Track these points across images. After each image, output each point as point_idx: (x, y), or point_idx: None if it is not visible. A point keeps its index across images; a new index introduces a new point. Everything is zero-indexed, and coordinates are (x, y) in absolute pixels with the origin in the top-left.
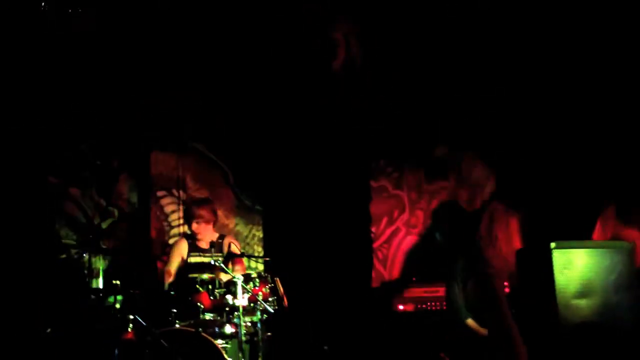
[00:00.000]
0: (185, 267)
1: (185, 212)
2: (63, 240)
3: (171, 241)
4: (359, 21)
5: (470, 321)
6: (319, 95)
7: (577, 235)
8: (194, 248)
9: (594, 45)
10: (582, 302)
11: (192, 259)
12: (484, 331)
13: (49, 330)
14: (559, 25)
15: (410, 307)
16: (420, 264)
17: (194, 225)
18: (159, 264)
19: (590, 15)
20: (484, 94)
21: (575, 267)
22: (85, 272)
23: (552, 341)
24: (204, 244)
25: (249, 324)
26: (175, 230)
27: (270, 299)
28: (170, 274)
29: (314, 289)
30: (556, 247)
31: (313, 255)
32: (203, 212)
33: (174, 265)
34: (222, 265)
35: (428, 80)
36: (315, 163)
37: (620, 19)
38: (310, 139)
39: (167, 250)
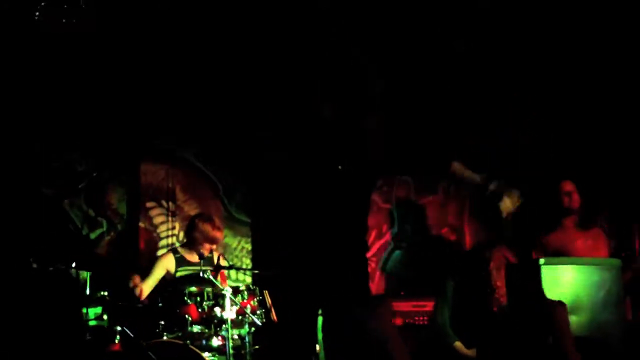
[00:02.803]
0: (174, 281)
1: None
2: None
3: (159, 252)
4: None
5: (458, 344)
6: (311, 105)
7: None
8: (183, 262)
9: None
10: (570, 319)
11: (182, 273)
12: (471, 353)
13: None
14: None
15: (398, 322)
16: (408, 278)
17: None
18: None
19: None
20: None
21: (563, 283)
22: (73, 283)
23: (541, 356)
24: (194, 258)
25: (237, 336)
26: (164, 242)
27: (258, 312)
28: (142, 292)
29: (302, 301)
30: (545, 263)
31: (302, 267)
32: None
33: (150, 281)
34: (211, 277)
35: (422, 93)
36: (305, 175)
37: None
38: (301, 151)
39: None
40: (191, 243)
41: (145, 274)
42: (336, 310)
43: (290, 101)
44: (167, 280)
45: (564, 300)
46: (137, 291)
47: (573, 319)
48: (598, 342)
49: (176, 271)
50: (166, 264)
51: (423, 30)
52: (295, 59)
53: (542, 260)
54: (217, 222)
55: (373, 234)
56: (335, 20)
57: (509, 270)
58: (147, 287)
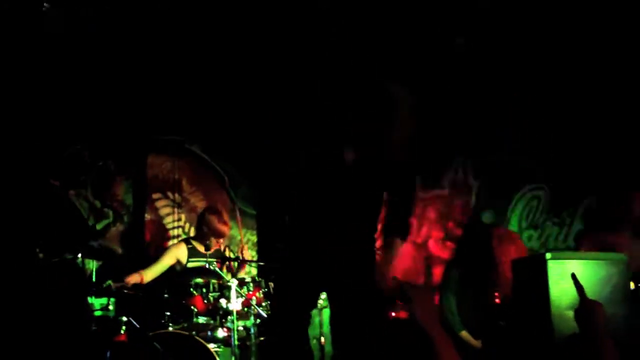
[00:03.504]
0: (184, 272)
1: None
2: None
3: (169, 243)
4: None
5: (464, 333)
6: (318, 98)
7: None
8: (195, 253)
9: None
10: None
11: (193, 264)
12: (477, 343)
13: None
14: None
15: (403, 314)
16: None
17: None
18: None
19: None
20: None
21: (570, 278)
22: (79, 273)
23: (546, 352)
24: (203, 249)
25: (242, 328)
26: (170, 233)
27: (263, 304)
28: (142, 278)
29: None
30: (552, 258)
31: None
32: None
33: (157, 267)
34: (216, 269)
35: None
36: (311, 167)
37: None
38: (307, 143)
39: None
40: (201, 236)
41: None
42: (353, 300)
43: (293, 97)
44: (178, 270)
45: (571, 296)
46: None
47: None
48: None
49: (187, 262)
50: (177, 254)
51: (424, 30)
52: (295, 58)
53: (548, 255)
54: (225, 216)
55: (379, 227)
56: (335, 20)
57: (516, 265)
58: (151, 273)
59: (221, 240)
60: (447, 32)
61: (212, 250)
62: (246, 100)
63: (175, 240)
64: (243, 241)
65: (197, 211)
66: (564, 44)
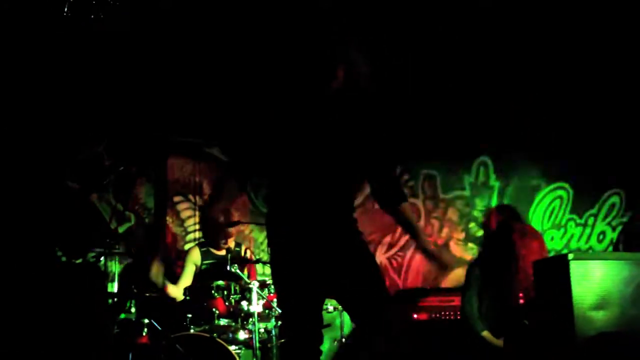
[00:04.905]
0: (200, 275)
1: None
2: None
3: (186, 247)
4: (362, 38)
5: (486, 333)
6: (323, 102)
7: None
8: (209, 255)
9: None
10: (599, 314)
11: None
12: (500, 343)
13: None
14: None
15: (424, 316)
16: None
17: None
18: (177, 270)
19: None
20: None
21: (592, 278)
22: (101, 276)
23: (568, 353)
24: (221, 252)
25: (263, 330)
26: (191, 236)
27: None
28: (179, 292)
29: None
30: (574, 258)
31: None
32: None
33: (185, 280)
34: (237, 271)
35: (434, 87)
36: (324, 168)
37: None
38: (319, 144)
39: (182, 256)
40: (212, 237)
41: (172, 269)
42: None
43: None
44: (195, 274)
45: (593, 296)
46: (159, 284)
47: (602, 314)
48: (627, 338)
49: (202, 264)
50: (194, 259)
51: (426, 29)
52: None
53: (571, 256)
54: (233, 216)
55: (399, 229)
56: (337, 19)
57: (538, 265)
58: (181, 287)
59: (230, 240)
60: (452, 30)
61: (232, 252)
62: (263, 101)
63: (191, 244)
64: None
65: None
66: (587, 39)
